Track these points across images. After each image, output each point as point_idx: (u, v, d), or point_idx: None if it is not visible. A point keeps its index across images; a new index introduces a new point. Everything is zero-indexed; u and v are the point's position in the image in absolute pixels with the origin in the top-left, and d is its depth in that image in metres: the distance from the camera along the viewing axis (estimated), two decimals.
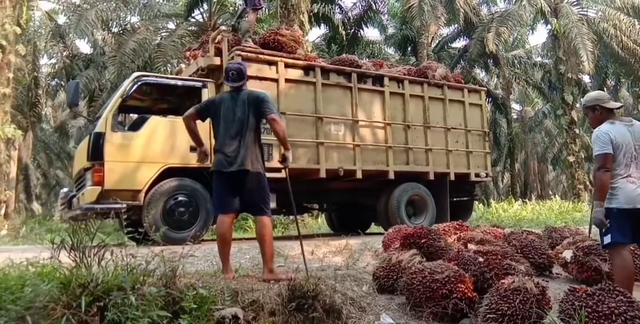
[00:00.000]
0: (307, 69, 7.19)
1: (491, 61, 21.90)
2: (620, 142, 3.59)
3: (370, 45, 22.62)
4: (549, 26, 18.85)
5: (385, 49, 23.80)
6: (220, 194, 4.10)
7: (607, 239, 3.59)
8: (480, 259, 4.04)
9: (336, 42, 19.89)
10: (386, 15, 22.81)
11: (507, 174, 29.39)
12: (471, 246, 4.70)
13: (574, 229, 5.81)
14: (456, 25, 21.16)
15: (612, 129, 3.63)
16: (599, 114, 3.77)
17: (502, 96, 23.45)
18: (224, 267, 3.92)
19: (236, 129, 4.03)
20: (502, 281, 3.52)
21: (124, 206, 5.51)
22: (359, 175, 7.27)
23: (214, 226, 9.44)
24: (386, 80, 7.87)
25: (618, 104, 3.85)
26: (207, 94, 6.59)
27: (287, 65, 6.99)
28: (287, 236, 8.94)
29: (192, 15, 17.69)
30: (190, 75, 7.19)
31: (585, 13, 19.44)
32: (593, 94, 3.99)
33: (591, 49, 17.04)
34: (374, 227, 9.19)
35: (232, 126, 4.05)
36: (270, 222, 4.06)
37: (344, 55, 8.54)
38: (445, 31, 23.11)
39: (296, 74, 7.09)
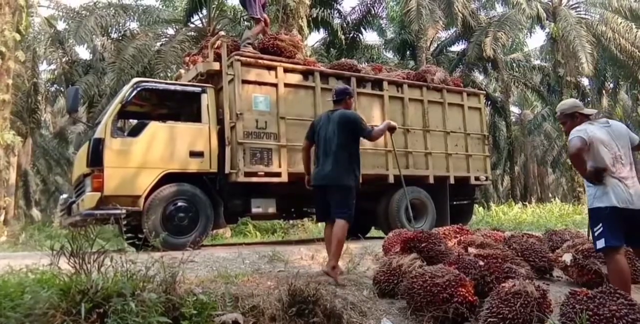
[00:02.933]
0: (306, 74, 7.20)
1: (490, 65, 21.95)
2: (599, 143, 3.56)
3: (369, 50, 22.68)
4: (547, 29, 18.93)
5: (384, 53, 23.88)
6: (317, 205, 4.76)
7: (601, 243, 3.52)
8: (481, 263, 4.04)
9: (335, 46, 19.93)
10: (385, 20, 22.90)
11: (507, 177, 29.36)
12: (471, 250, 4.70)
13: (574, 232, 5.81)
14: (455, 29, 21.23)
15: (591, 128, 3.63)
16: (578, 121, 3.77)
17: (501, 99, 23.48)
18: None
19: (326, 147, 4.50)
20: (503, 284, 3.51)
21: (124, 211, 5.49)
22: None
23: (214, 231, 9.43)
24: (385, 84, 7.88)
25: (594, 111, 3.88)
26: (206, 100, 6.60)
27: (286, 70, 7.00)
28: (287, 240, 8.93)
29: (192, 20, 17.73)
30: (189, 81, 7.20)
31: (584, 16, 19.52)
32: (569, 101, 4.00)
33: (590, 51, 17.09)
34: (374, 232, 9.18)
35: (324, 144, 4.54)
36: (344, 225, 4.30)
37: (343, 59, 8.56)
38: (443, 35, 23.21)
39: (295, 78, 7.10)
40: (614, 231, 3.47)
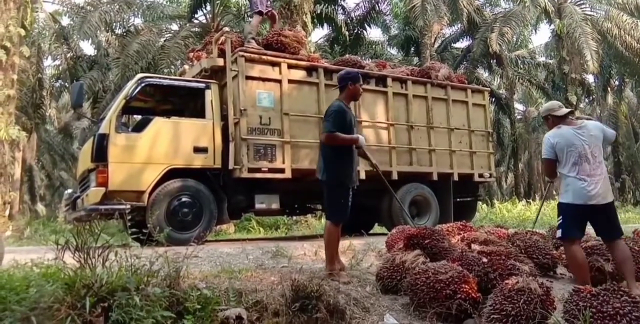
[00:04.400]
0: (310, 70, 7.20)
1: (494, 61, 21.83)
2: (563, 145, 3.98)
3: (373, 46, 22.62)
4: (552, 26, 18.82)
5: (389, 50, 23.79)
6: (321, 198, 4.52)
7: (559, 233, 4.06)
8: (484, 260, 4.03)
9: (339, 42, 19.88)
10: (389, 16, 22.83)
11: (511, 174, 29.31)
12: (475, 247, 4.70)
13: None
14: (459, 25, 21.12)
15: (555, 134, 4.07)
16: (551, 122, 4.20)
17: (505, 96, 23.39)
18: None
19: (321, 142, 4.34)
20: (506, 281, 3.52)
21: (128, 207, 5.53)
22: (362, 176, 7.24)
23: (218, 227, 9.44)
24: (389, 80, 7.87)
25: (566, 111, 4.18)
26: (210, 95, 6.61)
27: (290, 66, 7.00)
28: (291, 236, 8.95)
29: (196, 16, 17.72)
30: (193, 77, 7.21)
31: (589, 13, 19.39)
32: (546, 105, 4.44)
33: (595, 49, 16.99)
34: (377, 228, 9.18)
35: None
36: (333, 227, 4.18)
37: (347, 55, 8.54)
38: (448, 31, 23.11)
39: (299, 74, 7.10)
40: (570, 224, 3.96)
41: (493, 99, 20.68)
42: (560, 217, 4.01)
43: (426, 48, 18.99)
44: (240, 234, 11.36)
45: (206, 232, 6.19)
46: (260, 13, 7.56)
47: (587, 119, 4.57)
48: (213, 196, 6.33)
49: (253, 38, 7.16)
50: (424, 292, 3.63)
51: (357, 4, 20.43)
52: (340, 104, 4.21)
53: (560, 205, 4.05)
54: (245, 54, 6.67)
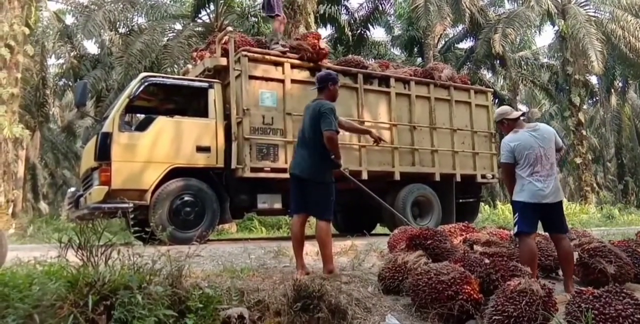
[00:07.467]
0: (313, 70, 7.19)
1: (498, 62, 21.80)
2: (521, 148, 4.14)
3: (377, 46, 22.62)
4: (556, 27, 18.79)
5: (392, 50, 23.80)
6: (292, 196, 4.39)
7: (515, 229, 4.21)
8: (487, 261, 4.03)
9: (342, 42, 19.89)
10: (393, 16, 22.82)
11: None
12: (477, 248, 4.70)
13: (580, 231, 5.79)
14: (462, 26, 21.10)
15: (513, 138, 4.23)
16: (506, 125, 4.37)
17: (508, 97, 23.33)
18: (297, 264, 4.19)
19: (304, 137, 4.26)
20: (508, 282, 3.51)
21: (131, 205, 5.54)
22: (364, 176, 7.26)
23: (220, 226, 9.43)
24: (392, 81, 7.87)
25: (518, 113, 4.40)
26: (213, 95, 6.62)
27: (293, 66, 7.01)
28: None
29: (199, 16, 17.73)
30: (197, 76, 7.22)
31: (593, 14, 19.34)
32: (498, 110, 4.54)
33: (600, 50, 16.95)
34: (379, 228, 9.18)
35: (302, 134, 4.30)
36: (326, 226, 4.21)
37: (350, 56, 8.53)
38: (451, 32, 23.09)
39: (302, 74, 7.11)
40: (525, 220, 4.13)
41: (496, 100, 20.62)
42: (517, 214, 4.20)
43: (429, 49, 18.99)
44: (242, 233, 11.37)
45: (208, 231, 6.20)
46: (276, 16, 7.54)
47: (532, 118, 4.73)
48: (215, 195, 6.34)
49: (276, 43, 7.14)
50: (426, 293, 3.63)
51: (361, 4, 20.49)
52: (332, 104, 4.23)
53: (516, 203, 4.23)
54: (249, 54, 6.68)
